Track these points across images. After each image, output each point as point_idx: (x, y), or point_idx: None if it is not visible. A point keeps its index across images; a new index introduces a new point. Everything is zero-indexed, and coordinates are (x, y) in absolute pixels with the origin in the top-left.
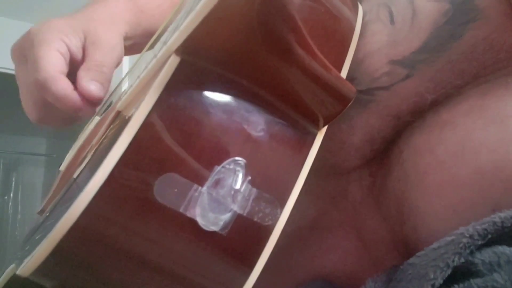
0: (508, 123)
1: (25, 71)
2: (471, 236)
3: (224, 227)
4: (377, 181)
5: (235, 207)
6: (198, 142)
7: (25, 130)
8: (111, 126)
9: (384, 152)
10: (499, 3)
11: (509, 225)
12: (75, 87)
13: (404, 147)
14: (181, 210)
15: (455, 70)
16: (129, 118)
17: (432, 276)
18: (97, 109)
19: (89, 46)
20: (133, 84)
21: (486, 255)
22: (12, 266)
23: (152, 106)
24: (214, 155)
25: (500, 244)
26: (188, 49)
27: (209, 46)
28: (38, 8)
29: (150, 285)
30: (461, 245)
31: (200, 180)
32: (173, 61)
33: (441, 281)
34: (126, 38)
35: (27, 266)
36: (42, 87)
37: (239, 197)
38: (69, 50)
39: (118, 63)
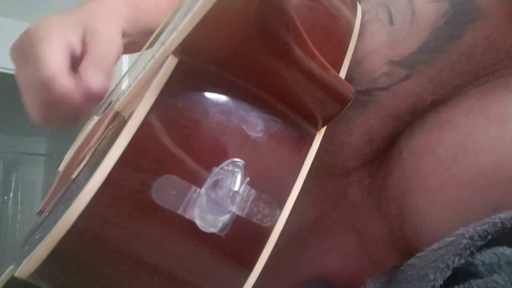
0: (509, 124)
1: (26, 70)
2: (471, 237)
3: (223, 228)
4: (377, 181)
5: (234, 209)
6: (197, 143)
7: (25, 130)
8: (110, 126)
9: (383, 152)
10: (499, 3)
11: (509, 226)
12: (78, 82)
13: (404, 147)
14: (179, 212)
15: (455, 70)
16: (127, 119)
17: (432, 277)
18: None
19: (89, 40)
20: (131, 84)
21: (487, 256)
22: (11, 267)
23: (150, 107)
24: (212, 156)
25: (500, 245)
26: (186, 50)
27: (207, 47)
28: (38, 8)
29: (149, 287)
30: (461, 246)
31: (199, 182)
32: (171, 62)
33: (441, 282)
34: (124, 35)
35: (25, 268)
36: (45, 86)
37: (238, 199)
38: (70, 45)
39: (118, 57)
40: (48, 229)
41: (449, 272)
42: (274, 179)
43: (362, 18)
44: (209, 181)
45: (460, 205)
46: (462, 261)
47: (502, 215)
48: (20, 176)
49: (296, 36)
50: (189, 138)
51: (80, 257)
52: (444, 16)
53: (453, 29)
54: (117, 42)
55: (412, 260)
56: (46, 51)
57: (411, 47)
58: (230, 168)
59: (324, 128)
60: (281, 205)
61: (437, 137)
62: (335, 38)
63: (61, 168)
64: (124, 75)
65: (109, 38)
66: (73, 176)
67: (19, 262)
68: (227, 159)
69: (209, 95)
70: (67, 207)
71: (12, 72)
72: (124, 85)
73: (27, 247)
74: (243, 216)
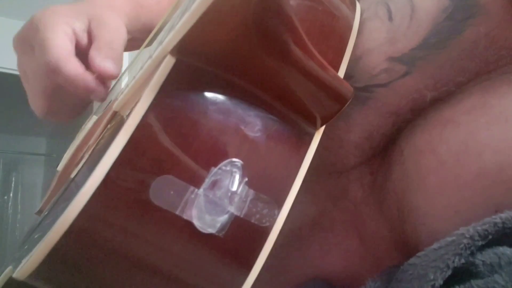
0: None
1: (31, 58)
2: (471, 237)
3: (221, 229)
4: (378, 179)
5: (232, 209)
6: (195, 143)
7: (25, 130)
8: (108, 126)
9: (384, 150)
10: None
11: (510, 225)
12: (90, 67)
13: (405, 146)
14: (177, 212)
15: (456, 67)
16: (126, 118)
17: (432, 277)
18: (95, 108)
19: (95, 28)
20: (129, 84)
21: (487, 256)
22: (10, 267)
23: (148, 107)
24: (210, 157)
25: (501, 245)
26: (184, 50)
27: (205, 47)
28: (38, 8)
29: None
30: (461, 246)
31: (197, 182)
32: (169, 62)
33: (441, 282)
34: None
35: (23, 270)
36: (53, 70)
37: (236, 199)
38: (75, 33)
39: (124, 45)
40: (47, 229)
41: (449, 272)
42: (273, 179)
43: (361, 15)
44: (207, 182)
45: (462, 205)
46: (463, 261)
47: (503, 215)
48: (20, 176)
49: (294, 35)
50: (187, 138)
51: (78, 257)
52: (444, 12)
53: (453, 25)
54: (122, 30)
55: (412, 260)
56: (53, 36)
57: (411, 43)
58: (228, 168)
59: (323, 127)
60: (279, 205)
61: (439, 135)
62: (334, 37)
63: (60, 167)
64: (123, 74)
65: (115, 26)
66: (72, 175)
67: (17, 263)
68: (225, 159)
69: (207, 94)
70: (66, 207)
71: (12, 72)
72: (123, 84)
73: (26, 246)
74: (242, 216)
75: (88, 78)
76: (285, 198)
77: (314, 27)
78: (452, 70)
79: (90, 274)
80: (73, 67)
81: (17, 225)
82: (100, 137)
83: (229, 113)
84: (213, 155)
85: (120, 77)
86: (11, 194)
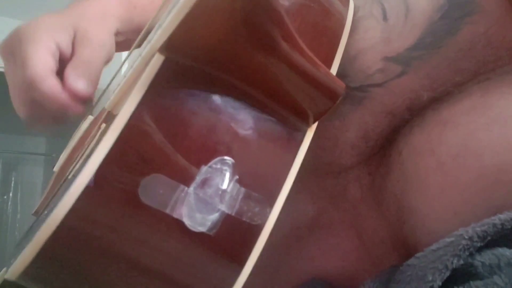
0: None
1: (13, 69)
2: (470, 238)
3: (212, 227)
4: (376, 179)
5: (223, 207)
6: (184, 141)
7: (25, 130)
8: (102, 125)
9: (382, 150)
10: None
11: (509, 227)
12: (64, 85)
13: (403, 146)
14: (167, 211)
15: (453, 66)
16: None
17: (430, 278)
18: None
19: (78, 43)
20: (120, 83)
21: (486, 257)
22: (4, 269)
23: (136, 105)
24: (200, 155)
25: (501, 246)
26: (172, 47)
27: (193, 44)
28: (38, 8)
29: (139, 287)
30: (460, 247)
31: (187, 181)
32: (157, 60)
33: (440, 283)
34: (117, 34)
35: (12, 270)
36: (30, 86)
37: (227, 197)
38: (58, 47)
39: (108, 60)
40: (37, 230)
41: (448, 273)
42: (264, 176)
43: (355, 14)
44: (198, 180)
45: (461, 206)
46: (461, 262)
47: (502, 216)
48: (20, 176)
49: (283, 31)
50: (176, 136)
51: (68, 256)
52: (439, 10)
53: (449, 24)
54: (107, 45)
55: (411, 260)
56: (34, 52)
57: (406, 43)
58: (218, 166)
59: (316, 124)
60: (271, 203)
61: (438, 136)
62: (326, 34)
63: (56, 168)
64: (116, 73)
65: (98, 42)
66: (68, 176)
67: (10, 264)
68: (215, 157)
69: (197, 92)
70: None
71: None
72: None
73: (20, 248)
74: (233, 214)
75: (63, 97)
76: (277, 196)
77: (306, 23)
78: (449, 70)
79: (80, 274)
80: (49, 85)
81: (17, 225)
82: (94, 137)
83: (219, 111)
84: (203, 153)
85: (113, 78)
86: (10, 194)
